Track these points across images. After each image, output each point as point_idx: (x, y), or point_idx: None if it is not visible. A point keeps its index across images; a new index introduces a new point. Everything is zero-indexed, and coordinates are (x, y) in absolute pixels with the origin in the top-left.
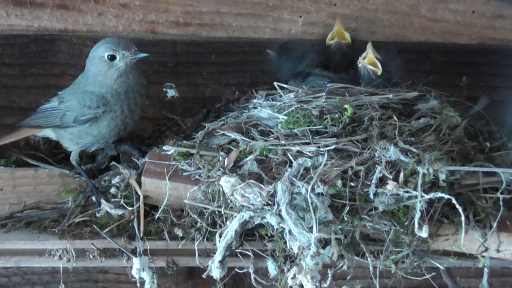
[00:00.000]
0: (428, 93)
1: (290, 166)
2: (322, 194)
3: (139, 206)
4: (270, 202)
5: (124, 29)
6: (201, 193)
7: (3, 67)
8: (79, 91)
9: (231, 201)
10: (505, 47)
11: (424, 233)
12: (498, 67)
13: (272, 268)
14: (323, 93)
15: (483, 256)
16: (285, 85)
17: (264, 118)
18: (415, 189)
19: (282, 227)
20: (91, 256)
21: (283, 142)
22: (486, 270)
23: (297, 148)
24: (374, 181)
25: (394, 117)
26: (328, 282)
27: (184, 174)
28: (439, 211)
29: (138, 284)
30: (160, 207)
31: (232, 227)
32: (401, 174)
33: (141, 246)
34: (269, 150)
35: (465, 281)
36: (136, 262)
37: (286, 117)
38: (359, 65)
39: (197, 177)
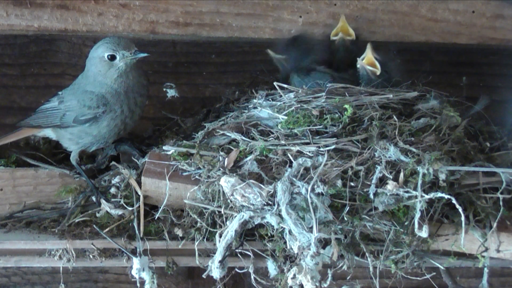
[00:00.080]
0: (428, 93)
1: (290, 166)
2: (322, 194)
3: (139, 206)
4: (270, 202)
5: (124, 29)
6: (201, 193)
7: (3, 67)
8: (79, 91)
9: (231, 201)
10: (505, 47)
11: (424, 233)
12: (498, 67)
13: (272, 268)
14: (323, 93)
15: (483, 256)
16: (285, 85)
17: (264, 118)
18: (415, 189)
19: (282, 227)
20: (91, 256)
21: (283, 142)
22: (486, 270)
23: (297, 148)
24: (374, 181)
25: (394, 117)
26: (328, 282)
27: (184, 174)
28: (439, 211)
29: (138, 284)
30: (160, 207)
31: (232, 227)
32: (401, 174)
33: (141, 246)
34: (269, 150)
35: (465, 281)
36: (136, 262)
37: (286, 117)
38: (358, 66)
39: (197, 177)
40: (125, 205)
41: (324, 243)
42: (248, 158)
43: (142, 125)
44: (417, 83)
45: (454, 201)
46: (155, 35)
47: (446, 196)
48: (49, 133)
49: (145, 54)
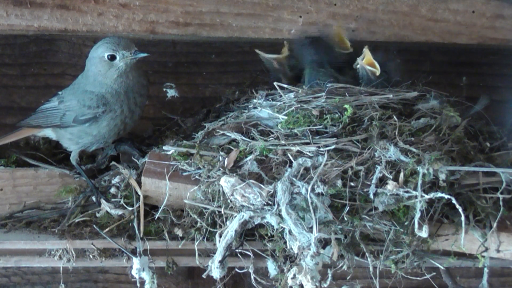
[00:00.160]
0: (428, 93)
1: (290, 166)
2: (322, 194)
3: (139, 206)
4: (270, 202)
5: (124, 29)
6: (201, 193)
7: (3, 67)
8: (79, 91)
9: (231, 201)
10: (505, 47)
11: (424, 233)
12: (498, 67)
13: (272, 268)
14: (323, 93)
15: (483, 256)
16: (285, 85)
17: (264, 118)
18: (415, 189)
19: (282, 227)
20: (91, 256)
21: (283, 142)
22: (486, 270)
23: (297, 148)
24: (374, 181)
25: (394, 117)
26: (328, 282)
27: (184, 174)
28: (439, 211)
29: (138, 284)
30: (160, 207)
31: (232, 227)
32: (401, 174)
33: (141, 246)
34: (269, 150)
35: (465, 281)
36: (136, 262)
37: (286, 117)
38: (358, 66)
39: (197, 177)
40: (125, 205)
41: (324, 243)
42: (248, 158)
43: (142, 125)
44: (417, 83)
45: (454, 201)
46: (155, 35)
47: (446, 196)
48: (49, 133)
49: (145, 54)
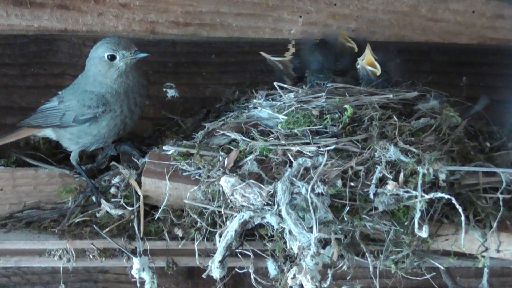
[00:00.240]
0: (428, 93)
1: (290, 166)
2: (322, 194)
3: (139, 206)
4: (270, 202)
5: (124, 29)
6: (201, 193)
7: (3, 67)
8: (79, 91)
9: (231, 201)
10: (505, 47)
11: (424, 233)
12: (498, 67)
13: (272, 268)
14: (323, 93)
15: (483, 256)
16: (285, 85)
17: (264, 118)
18: (415, 189)
19: (282, 227)
20: (91, 256)
21: (283, 142)
22: (486, 270)
23: (297, 148)
24: (374, 181)
25: (394, 117)
26: (328, 282)
27: (184, 174)
28: (439, 211)
29: (138, 284)
30: (160, 207)
31: (232, 227)
32: (401, 174)
33: (141, 246)
34: (269, 150)
35: (465, 281)
36: (136, 262)
37: (286, 117)
38: (358, 66)
39: (197, 177)
40: (125, 205)
41: (324, 243)
42: (248, 158)
43: (142, 125)
44: (417, 83)
45: (454, 201)
46: (155, 35)
47: (446, 196)
48: (49, 133)
49: (145, 54)
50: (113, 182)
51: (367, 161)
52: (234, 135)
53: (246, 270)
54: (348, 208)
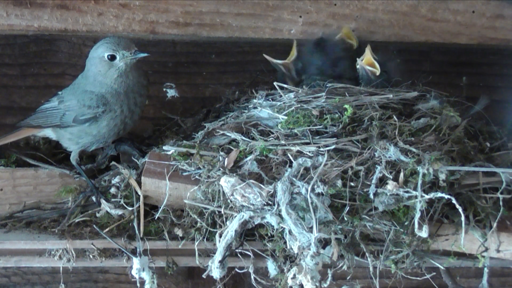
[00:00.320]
0: (428, 93)
1: (290, 166)
2: (322, 194)
3: (139, 206)
4: (270, 202)
5: (124, 29)
6: (201, 193)
7: (3, 67)
8: (79, 91)
9: (231, 201)
10: (505, 47)
11: (424, 233)
12: (498, 67)
13: (272, 268)
14: (323, 93)
15: (483, 256)
16: (285, 85)
17: (264, 118)
18: (415, 189)
19: (282, 227)
20: (91, 256)
21: (283, 142)
22: (486, 270)
23: (297, 148)
24: (374, 181)
25: (394, 117)
26: (328, 282)
27: (184, 174)
28: (439, 211)
29: (138, 284)
30: (160, 207)
31: (232, 227)
32: (401, 174)
33: (141, 246)
34: (269, 150)
35: (465, 281)
36: (136, 262)
37: (286, 117)
38: (358, 66)
39: (197, 177)
40: (125, 205)
41: (324, 243)
42: (248, 158)
43: (142, 125)
44: (417, 83)
45: (454, 201)
46: (155, 35)
47: (446, 196)
48: (49, 133)
49: (145, 54)
50: (113, 182)
51: (367, 161)
52: (234, 135)
53: (246, 270)
54: (348, 208)
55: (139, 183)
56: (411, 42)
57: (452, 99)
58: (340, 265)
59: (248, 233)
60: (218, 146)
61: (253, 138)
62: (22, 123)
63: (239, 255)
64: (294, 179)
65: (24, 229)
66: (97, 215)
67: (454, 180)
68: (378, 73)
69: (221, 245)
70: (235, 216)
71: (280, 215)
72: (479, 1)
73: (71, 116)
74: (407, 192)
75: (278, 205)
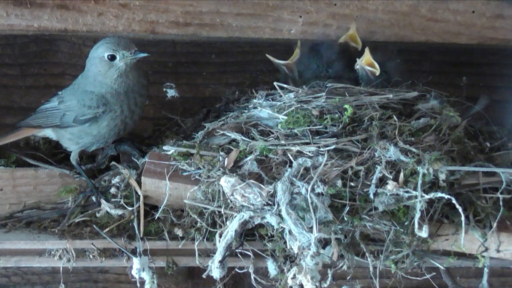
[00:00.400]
0: (428, 93)
1: (290, 166)
2: (322, 194)
3: (139, 206)
4: (270, 202)
5: (124, 29)
6: (201, 193)
7: (3, 67)
8: (79, 91)
9: (231, 201)
10: (505, 47)
11: (424, 233)
12: (498, 67)
13: (272, 268)
14: (323, 93)
15: (483, 256)
16: (285, 85)
17: (264, 118)
18: (415, 189)
19: (282, 227)
20: (91, 256)
21: (283, 142)
22: (486, 270)
23: (297, 148)
24: (374, 181)
25: (394, 117)
26: (328, 282)
27: (184, 174)
28: (439, 211)
29: (138, 284)
30: (160, 207)
31: (232, 227)
32: (401, 174)
33: (141, 246)
34: (269, 150)
35: (465, 281)
36: (136, 262)
37: (286, 117)
38: (357, 67)
39: (197, 177)
40: (125, 205)
41: (324, 243)
42: (248, 158)
43: (142, 125)
44: (417, 83)
45: (454, 201)
46: (155, 35)
47: (446, 196)
48: (49, 133)
49: (145, 54)
50: (113, 182)
51: (367, 161)
52: (234, 135)
53: (246, 270)
54: (348, 208)
55: (139, 183)
56: (411, 42)
57: (452, 99)
58: (340, 265)
59: (248, 233)
60: (218, 146)
61: (253, 138)
62: (22, 123)
63: (239, 255)
64: (294, 179)
65: (24, 229)
66: (97, 215)
67: (454, 180)
68: (377, 73)
69: (221, 245)
70: (235, 216)
71: (280, 215)
72: (479, 1)
73: (71, 116)
74: (407, 192)
75: (278, 205)
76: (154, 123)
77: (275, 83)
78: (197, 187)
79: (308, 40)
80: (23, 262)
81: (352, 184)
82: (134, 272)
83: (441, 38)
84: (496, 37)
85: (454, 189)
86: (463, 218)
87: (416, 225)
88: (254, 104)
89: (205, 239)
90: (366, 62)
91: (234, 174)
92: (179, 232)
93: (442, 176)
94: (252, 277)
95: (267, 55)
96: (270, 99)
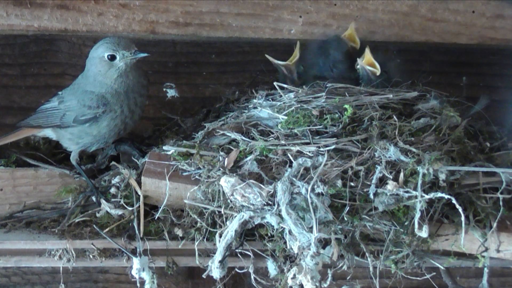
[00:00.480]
0: (428, 93)
1: (290, 166)
2: (322, 194)
3: (139, 206)
4: (270, 202)
5: (124, 29)
6: (201, 193)
7: (3, 67)
8: (79, 91)
9: (231, 201)
10: (505, 47)
11: (424, 233)
12: (498, 67)
13: (272, 268)
14: (323, 93)
15: (483, 256)
16: (285, 85)
17: (264, 118)
18: (415, 189)
19: (282, 227)
20: (91, 256)
21: (283, 142)
22: (486, 270)
23: (297, 148)
24: (374, 181)
25: (394, 117)
26: (328, 282)
27: (184, 174)
28: (439, 211)
29: (138, 284)
30: (160, 207)
31: (232, 227)
32: (401, 174)
33: (141, 246)
34: (269, 150)
35: (465, 281)
36: (136, 262)
37: (286, 117)
38: (358, 67)
39: (197, 177)
40: (125, 205)
41: (324, 243)
42: (248, 158)
43: (142, 125)
44: (417, 83)
45: (454, 201)
46: (155, 35)
47: (446, 196)
48: (49, 133)
49: (145, 54)
50: (113, 182)
51: (367, 161)
52: (234, 135)
53: (246, 270)
54: (348, 208)
55: (139, 183)
56: (411, 42)
57: (452, 99)
58: (340, 265)
59: (248, 233)
60: (218, 146)
61: (253, 138)
62: (22, 123)
63: (239, 255)
64: (294, 179)
65: (24, 229)
66: (97, 215)
67: (454, 180)
68: (378, 73)
69: (221, 245)
70: (235, 216)
71: (280, 215)
72: (479, 1)
73: (71, 116)
74: (407, 192)
75: (278, 205)
76: (154, 123)
77: (275, 83)
78: (197, 187)
79: (308, 40)
80: (23, 262)
81: (352, 184)
82: (134, 272)
83: (441, 38)
84: (496, 37)
85: (454, 189)
86: (463, 218)
87: (416, 225)
88: (254, 104)
89: (205, 239)
90: (366, 62)
91: (234, 174)
92: (179, 232)
93: (442, 176)
94: (252, 277)
95: (267, 56)
96: (270, 99)
